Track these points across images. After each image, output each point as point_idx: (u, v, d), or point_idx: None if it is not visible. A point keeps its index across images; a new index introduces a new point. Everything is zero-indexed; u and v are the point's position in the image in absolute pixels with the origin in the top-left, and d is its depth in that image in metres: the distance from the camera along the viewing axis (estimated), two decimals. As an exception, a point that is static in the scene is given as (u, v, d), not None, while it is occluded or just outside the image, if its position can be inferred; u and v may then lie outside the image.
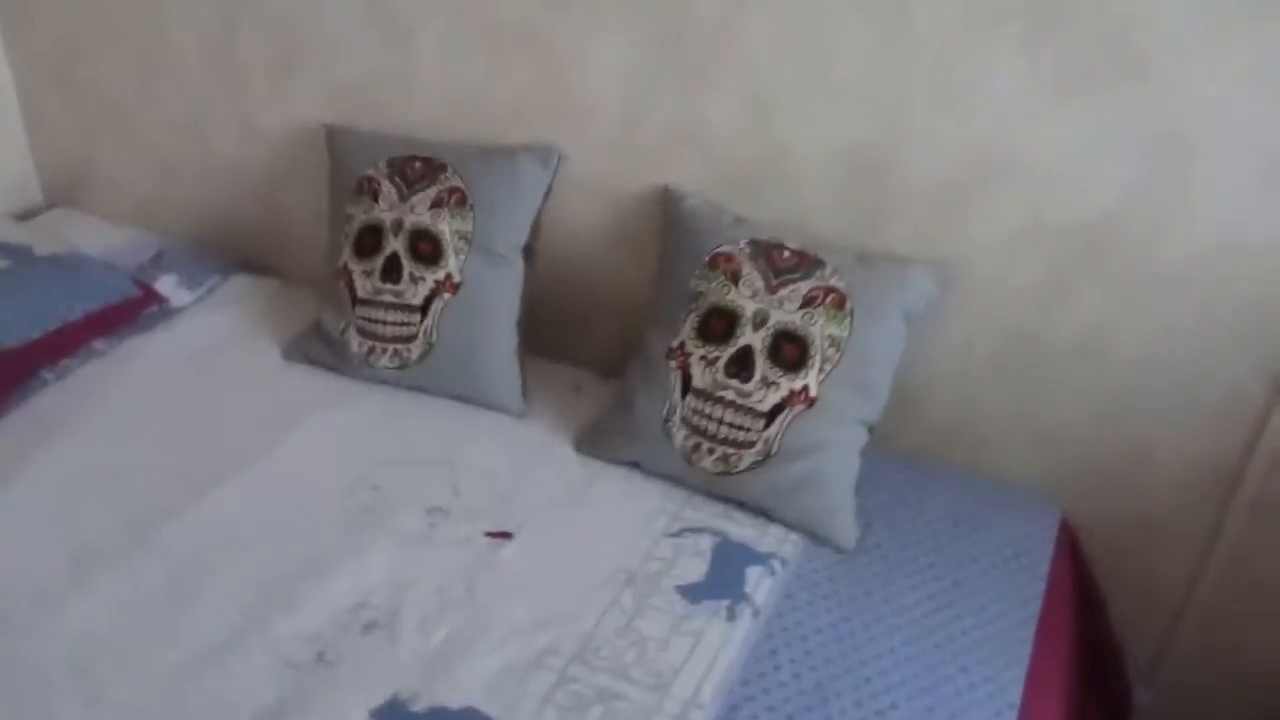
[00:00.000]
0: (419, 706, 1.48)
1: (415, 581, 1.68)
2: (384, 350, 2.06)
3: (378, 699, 1.48)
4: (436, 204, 2.04)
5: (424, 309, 2.03)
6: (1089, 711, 1.88)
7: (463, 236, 2.03)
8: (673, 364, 1.90)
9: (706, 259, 1.91)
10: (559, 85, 2.11)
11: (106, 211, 2.62)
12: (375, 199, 2.07)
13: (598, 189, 2.16)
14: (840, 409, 1.85)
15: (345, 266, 2.09)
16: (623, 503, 1.87)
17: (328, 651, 1.55)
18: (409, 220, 2.04)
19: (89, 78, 2.53)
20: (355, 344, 2.08)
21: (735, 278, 1.88)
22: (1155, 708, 2.14)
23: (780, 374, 1.83)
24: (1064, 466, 2.07)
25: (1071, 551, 1.95)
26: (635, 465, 1.94)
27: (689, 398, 1.87)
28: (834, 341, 1.83)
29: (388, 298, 2.05)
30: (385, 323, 2.05)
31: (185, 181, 2.56)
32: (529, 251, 2.12)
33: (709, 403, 1.86)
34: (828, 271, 1.86)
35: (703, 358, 1.87)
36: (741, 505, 1.87)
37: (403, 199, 2.05)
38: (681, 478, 1.90)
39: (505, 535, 1.78)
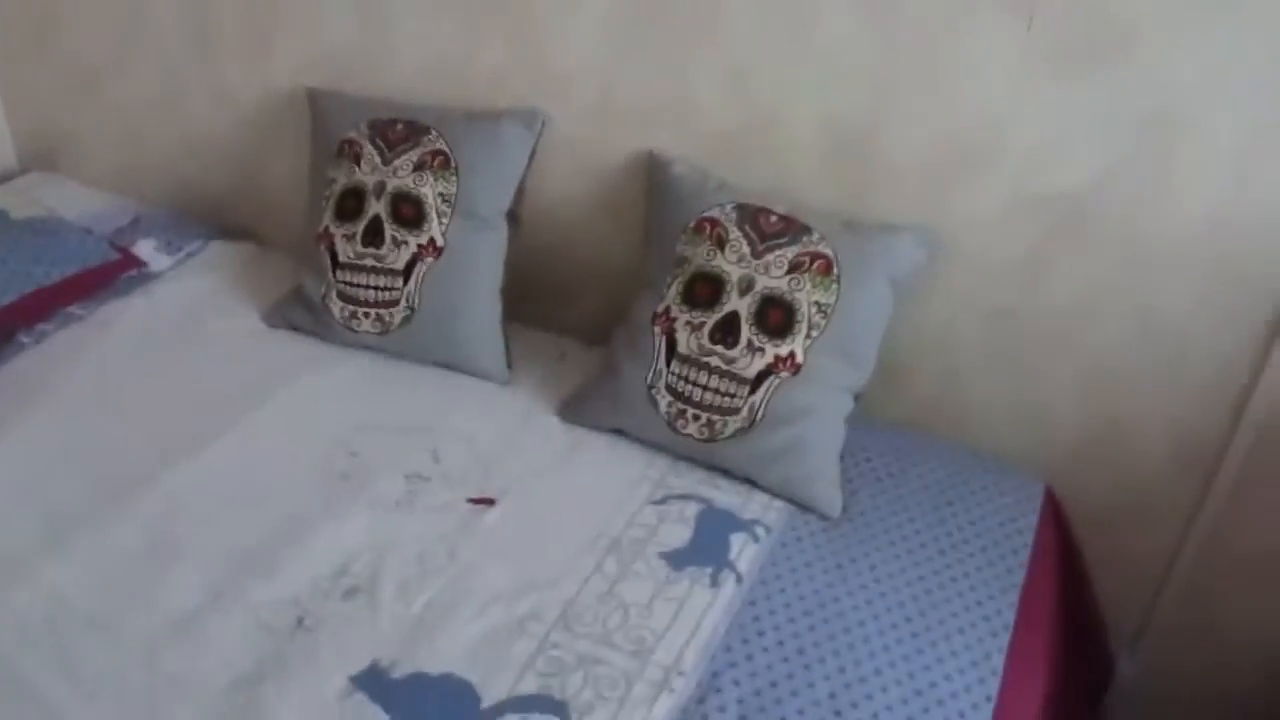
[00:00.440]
0: (399, 673, 1.47)
1: (396, 548, 1.66)
2: (366, 315, 2.04)
3: (357, 665, 1.47)
4: (419, 167, 2.01)
5: (406, 273, 2.01)
6: (1072, 682, 1.88)
7: (446, 199, 2.01)
8: (657, 330, 1.88)
9: (692, 224, 1.90)
10: (538, 53, 2.09)
11: (84, 179, 2.59)
12: (357, 162, 2.05)
13: (581, 155, 2.14)
14: (826, 376, 1.84)
15: (326, 230, 2.06)
16: (606, 469, 1.86)
17: (307, 617, 1.54)
18: (391, 183, 2.01)
19: (67, 46, 2.49)
20: (337, 309, 2.05)
21: (721, 243, 1.86)
22: (1138, 679, 2.15)
23: (766, 340, 1.81)
24: (1048, 440, 2.07)
25: (1056, 522, 1.94)
26: (619, 432, 1.93)
27: (674, 364, 1.86)
28: (820, 308, 1.82)
29: (369, 262, 2.02)
30: (367, 287, 2.03)
31: (163, 148, 2.53)
32: (513, 218, 2.10)
33: (694, 369, 1.84)
34: (815, 237, 1.85)
35: (688, 323, 1.86)
36: (726, 472, 1.86)
37: (385, 161, 2.03)
38: (666, 444, 1.89)
39: (488, 502, 1.77)
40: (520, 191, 2.09)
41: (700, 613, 1.60)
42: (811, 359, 1.82)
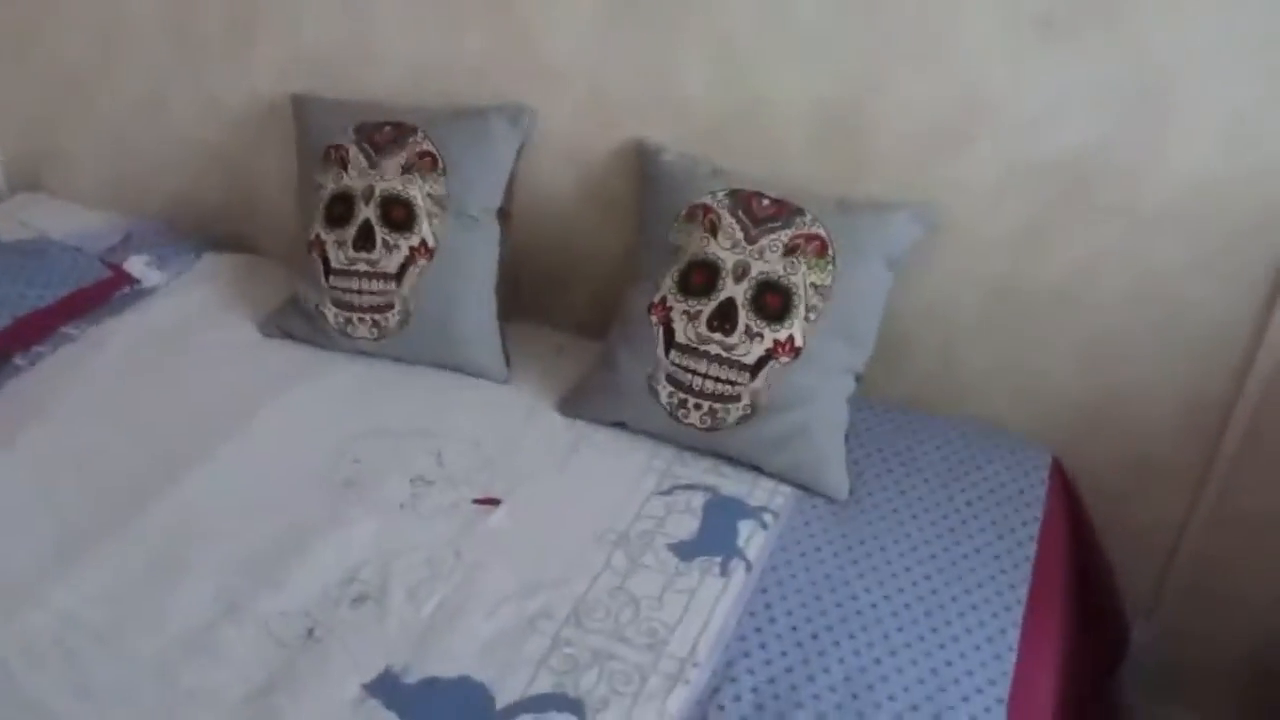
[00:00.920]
0: (412, 678, 1.46)
1: (403, 552, 1.66)
2: (361, 320, 2.03)
3: (370, 672, 1.47)
4: (407, 168, 2.00)
5: (399, 276, 2.00)
6: (1087, 652, 1.88)
7: (435, 200, 2.00)
8: (654, 320, 1.87)
9: (684, 211, 1.89)
10: (522, 44, 2.08)
11: (72, 195, 2.57)
12: (344, 167, 2.03)
13: (569, 148, 2.13)
14: (827, 358, 1.83)
15: (317, 237, 2.05)
16: (610, 463, 1.86)
17: (317, 627, 1.53)
18: (380, 187, 2.00)
19: (48, 58, 2.47)
20: (332, 316, 2.04)
21: (714, 229, 1.85)
22: (1152, 645, 2.14)
23: (764, 325, 1.80)
24: (1052, 411, 2.06)
25: (1065, 492, 1.94)
26: (621, 425, 1.92)
27: (673, 353, 1.85)
28: (817, 289, 1.81)
29: (362, 267, 2.01)
30: (361, 292, 2.02)
31: (150, 160, 2.51)
32: (503, 214, 2.08)
33: (693, 358, 1.83)
34: (808, 219, 1.83)
35: (685, 312, 1.84)
36: (731, 460, 1.85)
37: (372, 165, 2.02)
38: (669, 435, 1.88)
39: (493, 502, 1.76)
40: (510, 188, 2.08)
41: (712, 603, 1.60)
42: (811, 342, 1.81)
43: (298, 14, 2.21)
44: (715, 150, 2.00)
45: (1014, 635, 1.60)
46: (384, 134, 2.03)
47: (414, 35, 2.14)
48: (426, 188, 2.00)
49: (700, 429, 1.84)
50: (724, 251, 1.84)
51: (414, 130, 2.03)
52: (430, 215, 2.00)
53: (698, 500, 1.78)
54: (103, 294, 2.20)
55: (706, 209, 1.87)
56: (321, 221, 2.05)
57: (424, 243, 2.00)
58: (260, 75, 2.30)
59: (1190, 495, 2.04)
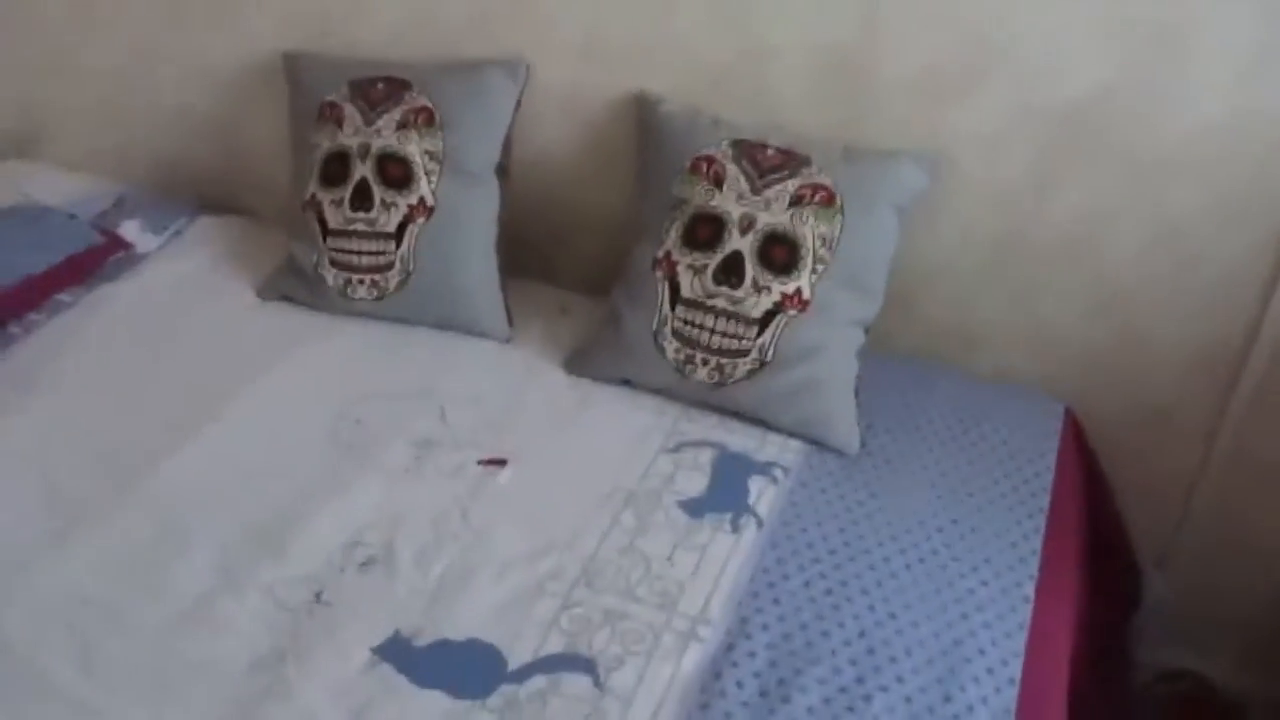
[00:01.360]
0: (422, 641, 1.45)
1: (409, 515, 1.64)
2: (360, 281, 2.00)
3: (379, 636, 1.45)
4: (403, 125, 1.97)
5: (398, 235, 1.97)
6: (1100, 602, 1.87)
7: (433, 157, 1.96)
8: (659, 275, 1.84)
9: (687, 164, 1.85)
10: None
11: (61, 161, 2.53)
12: (339, 125, 2.00)
13: (568, 100, 2.09)
14: (835, 310, 1.80)
15: (314, 197, 2.02)
16: (617, 421, 1.84)
17: (325, 592, 1.51)
18: (376, 144, 1.96)
19: (32, 22, 2.42)
20: (330, 277, 2.01)
21: (719, 181, 1.82)
22: (1166, 596, 2.13)
23: (772, 278, 1.78)
24: (1063, 362, 2.04)
25: (1077, 443, 1.92)
26: (627, 382, 1.90)
27: (678, 308, 1.82)
28: (825, 240, 1.78)
29: (360, 226, 1.98)
30: (360, 253, 1.99)
31: (140, 124, 2.47)
32: (502, 170, 2.05)
33: (699, 312, 1.81)
34: (814, 169, 1.80)
35: (690, 266, 1.82)
36: (739, 415, 1.83)
37: (368, 122, 1.98)
38: (676, 391, 1.86)
39: (499, 462, 1.74)
40: (508, 143, 2.05)
41: (723, 560, 1.58)
42: (819, 294, 1.78)
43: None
44: (716, 99, 1.96)
45: (1029, 588, 1.58)
46: (378, 90, 2.00)
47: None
48: (424, 145, 1.96)
49: (708, 384, 1.82)
50: (729, 204, 1.80)
51: (409, 86, 1.99)
52: (428, 172, 1.96)
53: (706, 457, 1.76)
54: (97, 260, 2.16)
55: (710, 160, 1.84)
56: (317, 181, 2.01)
57: (422, 200, 1.96)
58: (248, 34, 2.25)
59: (1203, 445, 2.03)
